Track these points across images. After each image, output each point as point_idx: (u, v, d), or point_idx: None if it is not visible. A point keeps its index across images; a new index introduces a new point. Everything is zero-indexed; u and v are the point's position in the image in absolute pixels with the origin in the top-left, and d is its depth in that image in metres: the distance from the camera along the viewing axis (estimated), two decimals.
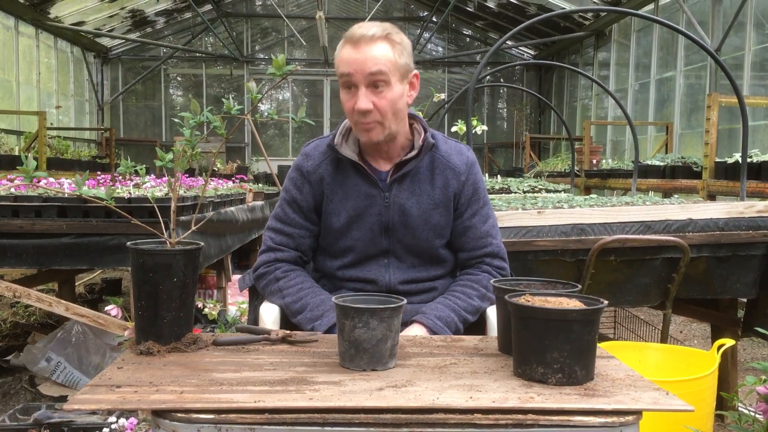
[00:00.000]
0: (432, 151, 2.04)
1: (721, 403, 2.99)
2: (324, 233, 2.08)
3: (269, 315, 2.04)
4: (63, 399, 3.89)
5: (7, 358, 4.50)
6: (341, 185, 2.02)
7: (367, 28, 1.89)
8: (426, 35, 16.89)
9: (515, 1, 14.28)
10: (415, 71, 1.98)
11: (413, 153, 2.00)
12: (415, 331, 1.90)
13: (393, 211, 2.00)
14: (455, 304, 1.99)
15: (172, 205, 1.68)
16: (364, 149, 2.04)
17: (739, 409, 3.14)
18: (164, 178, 4.49)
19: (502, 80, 16.47)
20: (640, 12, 6.21)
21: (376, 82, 1.86)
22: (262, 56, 17.25)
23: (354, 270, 2.05)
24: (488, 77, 13.20)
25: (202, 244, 1.63)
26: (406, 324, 1.92)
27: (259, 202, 6.31)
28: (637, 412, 1.26)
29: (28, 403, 3.66)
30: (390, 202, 2.00)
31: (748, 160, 5.01)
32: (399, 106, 1.92)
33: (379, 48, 1.86)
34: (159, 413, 1.23)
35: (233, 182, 6.31)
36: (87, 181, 3.50)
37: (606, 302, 1.44)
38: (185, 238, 1.63)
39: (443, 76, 17.43)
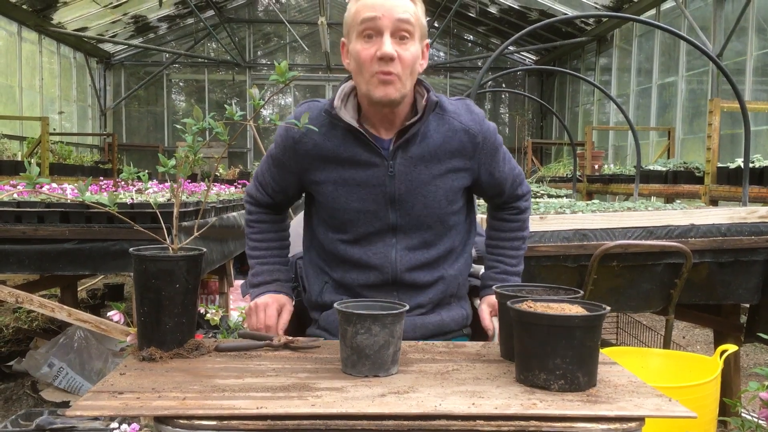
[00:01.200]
0: (438, 112, 1.90)
1: (724, 409, 2.98)
2: (319, 204, 1.96)
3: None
4: (65, 405, 3.88)
5: (10, 363, 4.50)
6: (336, 153, 1.87)
7: None
8: (428, 40, 16.88)
9: (517, 7, 14.31)
10: (427, 41, 1.90)
11: (417, 117, 1.86)
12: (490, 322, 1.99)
13: (399, 181, 1.86)
14: (514, 268, 2.07)
15: (175, 210, 1.68)
16: (366, 116, 1.88)
17: (742, 415, 3.13)
18: (167, 184, 4.49)
19: (503, 85, 16.52)
20: (641, 18, 6.22)
21: (402, 31, 1.75)
22: (264, 62, 17.29)
23: (357, 249, 1.91)
24: (490, 82, 13.23)
25: (205, 249, 1.63)
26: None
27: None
28: (640, 419, 1.25)
29: (31, 408, 3.65)
30: (395, 171, 1.85)
31: (751, 165, 5.00)
32: (416, 68, 1.81)
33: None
34: (161, 419, 1.23)
35: (235, 187, 6.31)
36: (89, 187, 3.51)
37: (608, 308, 1.44)
38: (188, 244, 1.63)
39: (445, 81, 17.46)
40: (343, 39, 1.89)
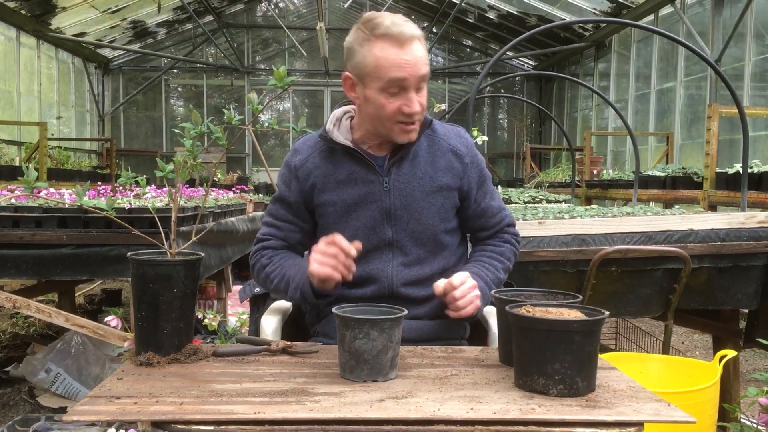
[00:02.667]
0: (430, 133, 2.00)
1: (723, 415, 2.98)
2: (322, 227, 1.99)
3: (270, 326, 2.03)
4: (62, 410, 3.87)
5: (7, 369, 4.49)
6: (334, 174, 1.95)
7: (403, 24, 1.81)
8: (426, 46, 16.93)
9: (515, 13, 14.34)
10: None
11: None
12: (461, 276, 1.83)
13: (394, 196, 1.93)
14: (486, 276, 1.97)
15: (173, 215, 1.68)
16: (362, 138, 1.96)
17: (742, 420, 3.13)
18: (165, 189, 4.49)
19: (502, 91, 16.52)
20: (640, 23, 6.24)
21: (423, 82, 1.83)
22: (263, 67, 17.31)
23: (358, 266, 1.90)
24: (489, 88, 13.25)
25: (203, 254, 1.63)
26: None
27: (260, 213, 6.31)
28: (639, 424, 1.25)
29: (28, 414, 3.65)
30: (390, 186, 1.93)
31: (749, 170, 5.01)
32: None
33: (420, 46, 1.82)
34: (159, 425, 1.23)
35: (234, 193, 6.32)
36: (87, 192, 3.50)
37: (607, 313, 1.43)
38: (186, 249, 1.63)
39: (444, 86, 17.47)
40: (349, 74, 1.89)
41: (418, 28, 1.85)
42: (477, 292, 1.84)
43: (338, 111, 2.01)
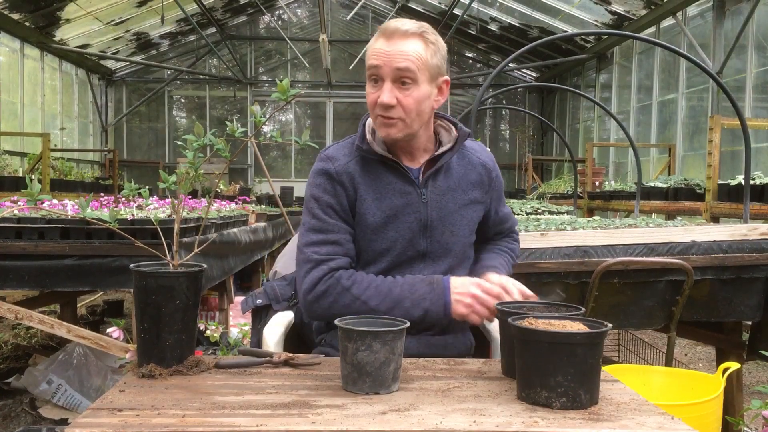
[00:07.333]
0: (460, 147, 2.00)
1: (727, 428, 2.96)
2: (358, 237, 1.92)
3: (272, 337, 2.03)
4: (64, 422, 3.86)
5: (8, 380, 4.49)
6: (374, 184, 1.91)
7: (402, 22, 1.85)
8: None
9: (517, 24, 14.38)
10: (446, 77, 1.93)
11: (447, 146, 1.95)
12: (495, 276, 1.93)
13: (431, 208, 1.93)
14: (504, 269, 2.08)
15: (175, 226, 1.68)
16: (390, 147, 1.94)
17: None
18: (167, 200, 4.50)
19: (504, 102, 16.56)
20: (641, 35, 6.25)
21: (403, 78, 1.82)
22: (265, 78, 17.37)
23: (390, 275, 1.90)
24: (491, 99, 13.27)
25: (205, 266, 1.63)
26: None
27: (262, 224, 6.31)
28: None
29: (29, 426, 3.64)
30: (427, 198, 1.93)
31: (751, 182, 5.01)
32: (423, 108, 1.86)
33: (412, 44, 1.82)
34: None
35: (236, 204, 6.32)
36: (90, 203, 3.50)
37: (610, 325, 1.43)
38: (188, 260, 1.63)
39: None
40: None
41: (423, 28, 1.85)
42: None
43: (370, 121, 1.97)
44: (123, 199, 4.66)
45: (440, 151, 1.94)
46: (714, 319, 3.32)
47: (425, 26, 1.87)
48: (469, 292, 1.82)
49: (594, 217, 4.55)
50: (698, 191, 7.10)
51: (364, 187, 1.91)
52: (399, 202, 1.91)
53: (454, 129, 1.99)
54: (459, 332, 2.01)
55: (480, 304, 1.81)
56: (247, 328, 3.83)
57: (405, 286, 1.83)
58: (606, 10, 11.77)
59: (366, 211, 1.90)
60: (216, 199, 6.15)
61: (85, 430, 1.23)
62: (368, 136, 1.93)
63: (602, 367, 1.46)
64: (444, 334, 1.97)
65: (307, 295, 1.85)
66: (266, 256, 6.83)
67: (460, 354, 1.99)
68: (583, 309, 1.65)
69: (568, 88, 7.91)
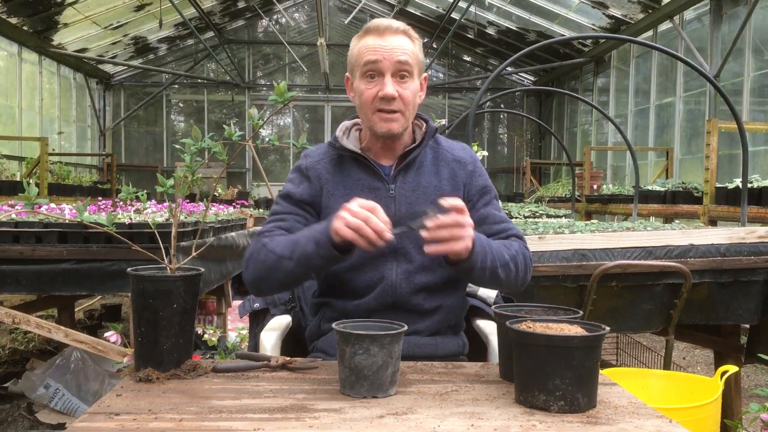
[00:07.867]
0: (434, 145, 2.05)
1: (725, 431, 2.96)
2: None
3: (269, 341, 2.03)
4: (61, 426, 3.86)
5: (6, 384, 4.47)
6: (343, 181, 1.98)
7: (389, 21, 1.92)
8: (426, 61, 17.01)
9: (515, 28, 14.41)
10: (425, 74, 2.02)
11: (415, 144, 1.99)
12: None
13: (399, 203, 1.94)
14: (491, 242, 1.85)
15: (173, 230, 1.68)
16: (368, 146, 2.01)
17: None
18: (165, 204, 4.49)
19: (502, 106, 16.60)
20: (638, 39, 6.26)
21: (402, 71, 1.88)
22: (263, 82, 17.37)
23: (359, 275, 1.91)
24: (488, 103, 13.29)
25: (203, 270, 1.62)
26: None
27: (260, 228, 6.30)
28: None
29: (26, 430, 3.63)
30: (395, 194, 1.95)
31: (749, 185, 5.02)
32: (416, 102, 1.95)
33: (404, 40, 1.90)
34: None
35: (234, 207, 6.32)
36: (88, 207, 3.50)
37: (608, 328, 1.43)
38: (186, 264, 1.63)
39: (444, 101, 17.54)
40: (347, 74, 2.02)
41: (406, 26, 1.93)
42: (470, 232, 1.71)
43: (348, 122, 2.07)
44: (121, 203, 4.66)
45: (409, 147, 1.98)
46: (712, 323, 3.32)
47: (404, 24, 1.95)
48: (345, 208, 1.68)
49: (592, 221, 4.56)
50: (696, 194, 7.11)
51: (333, 184, 1.98)
52: (367, 197, 1.82)
53: (425, 125, 2.04)
54: (449, 334, 2.00)
55: (357, 217, 1.64)
56: (245, 332, 3.82)
57: (306, 230, 1.83)
58: (603, 14, 11.79)
59: (334, 206, 1.88)
60: (214, 203, 6.15)
61: None
62: (339, 133, 2.02)
63: (600, 371, 1.46)
64: (434, 336, 1.96)
65: (245, 267, 1.90)
66: None
67: (453, 354, 1.98)
68: (581, 312, 1.64)
69: (566, 91, 7.91)
